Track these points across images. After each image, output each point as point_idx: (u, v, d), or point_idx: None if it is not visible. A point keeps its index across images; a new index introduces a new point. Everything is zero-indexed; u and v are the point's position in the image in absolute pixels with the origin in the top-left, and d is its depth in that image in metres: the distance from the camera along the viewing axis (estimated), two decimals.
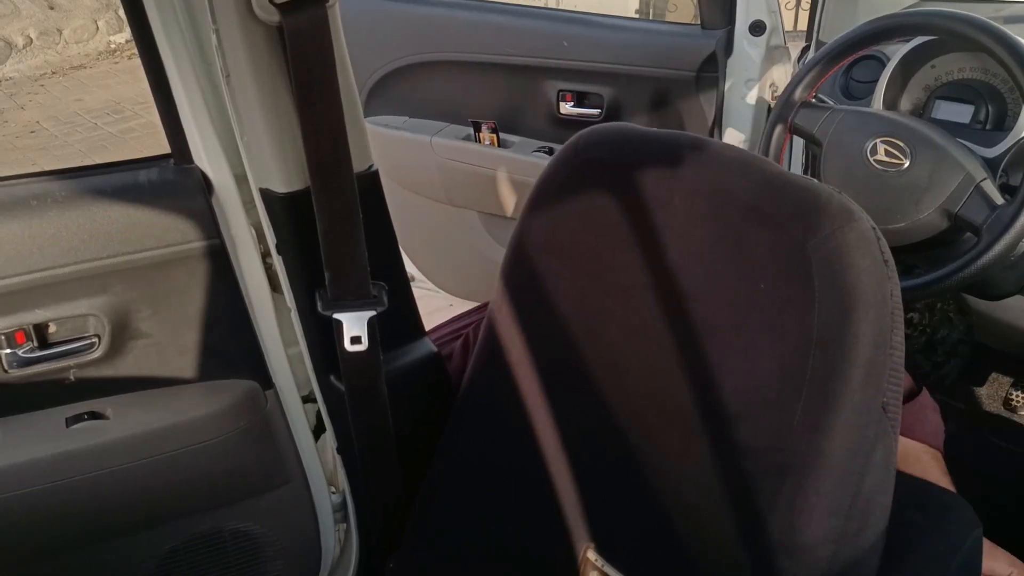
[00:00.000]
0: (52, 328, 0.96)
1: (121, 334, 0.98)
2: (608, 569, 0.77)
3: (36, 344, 0.95)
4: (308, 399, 1.10)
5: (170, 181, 0.96)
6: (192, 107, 0.91)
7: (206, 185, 0.95)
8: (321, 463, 1.13)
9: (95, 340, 0.97)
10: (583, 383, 0.80)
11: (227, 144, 0.92)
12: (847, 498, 0.64)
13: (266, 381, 1.05)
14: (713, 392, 0.69)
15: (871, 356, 0.63)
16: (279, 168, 0.85)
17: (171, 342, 1.00)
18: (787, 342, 0.65)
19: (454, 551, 0.94)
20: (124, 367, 1.00)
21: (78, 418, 0.98)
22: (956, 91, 1.19)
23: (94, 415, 0.98)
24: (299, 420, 1.09)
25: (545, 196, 0.84)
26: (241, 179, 0.94)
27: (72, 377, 0.98)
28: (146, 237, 0.94)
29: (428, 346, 1.01)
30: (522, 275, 0.87)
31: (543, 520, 0.84)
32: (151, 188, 0.95)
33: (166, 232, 0.95)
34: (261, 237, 0.97)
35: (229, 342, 1.02)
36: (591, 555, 0.78)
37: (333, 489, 1.16)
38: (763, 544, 0.67)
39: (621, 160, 0.78)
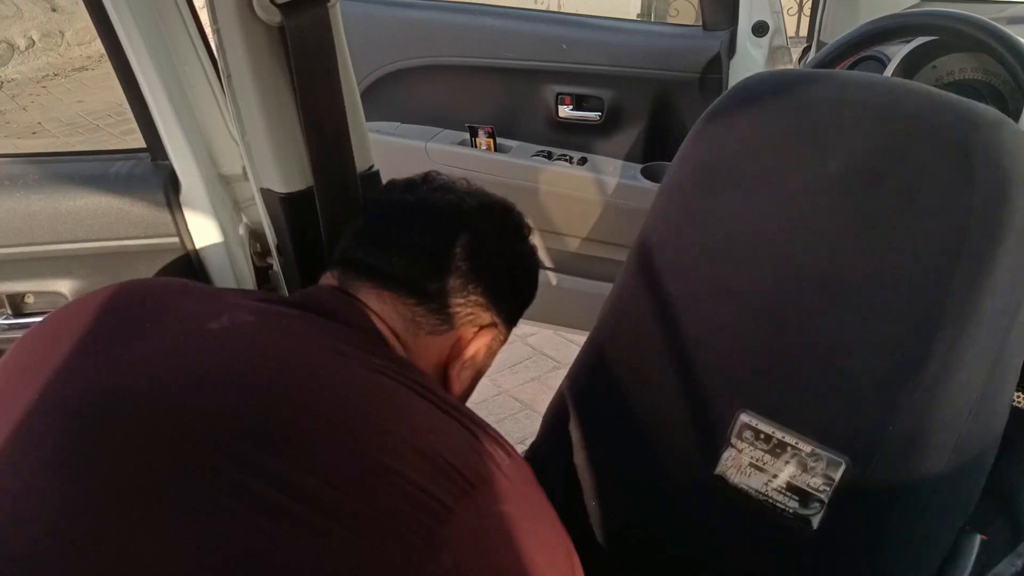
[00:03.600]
0: (30, 299, 0.98)
1: None
2: (762, 426, 0.80)
3: (10, 312, 0.98)
4: None
5: (138, 175, 0.96)
6: (158, 106, 0.91)
7: (174, 183, 0.95)
8: None
9: None
10: (743, 271, 0.85)
11: (195, 143, 0.92)
12: (995, 348, 0.73)
13: None
14: (874, 265, 0.76)
15: None
16: (280, 168, 0.85)
17: None
18: (946, 217, 0.73)
19: (603, 421, 0.95)
20: None
21: None
22: (957, 92, 1.19)
23: None
24: None
25: (709, 124, 0.90)
26: (213, 179, 0.94)
27: None
28: (109, 227, 0.94)
29: None
30: (683, 188, 0.92)
31: (697, 387, 0.87)
32: (119, 180, 0.96)
33: (130, 225, 0.95)
34: (228, 237, 0.98)
35: None
36: (744, 417, 0.82)
37: None
38: (919, 388, 0.73)
39: (790, 87, 0.86)
